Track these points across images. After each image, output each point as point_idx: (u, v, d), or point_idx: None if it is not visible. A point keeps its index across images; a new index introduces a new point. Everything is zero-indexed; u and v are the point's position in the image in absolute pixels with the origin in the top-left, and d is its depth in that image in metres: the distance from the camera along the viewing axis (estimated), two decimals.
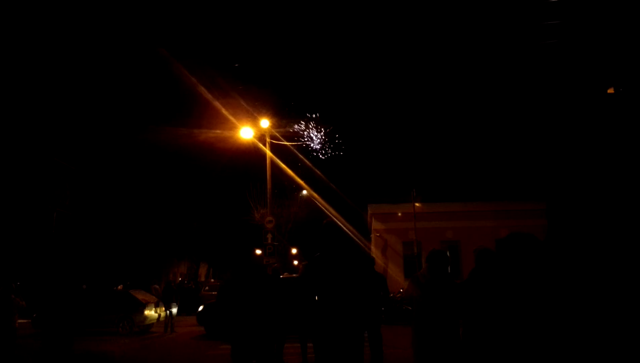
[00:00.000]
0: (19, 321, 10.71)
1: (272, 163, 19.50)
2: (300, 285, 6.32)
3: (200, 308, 15.38)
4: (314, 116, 22.07)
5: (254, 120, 19.17)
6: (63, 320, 9.35)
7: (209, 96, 19.51)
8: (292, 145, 20.93)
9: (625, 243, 2.60)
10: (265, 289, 4.79)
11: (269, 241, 17.61)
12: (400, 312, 14.97)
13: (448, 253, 5.19)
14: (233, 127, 19.42)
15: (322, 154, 21.86)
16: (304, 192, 26.62)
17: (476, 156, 37.50)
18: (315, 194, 25.58)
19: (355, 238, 26.51)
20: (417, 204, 25.93)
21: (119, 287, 23.81)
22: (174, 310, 16.52)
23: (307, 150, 22.35)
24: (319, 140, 21.56)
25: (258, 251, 17.12)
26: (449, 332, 4.69)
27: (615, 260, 2.52)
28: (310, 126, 21.76)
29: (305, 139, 21.40)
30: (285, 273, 15.85)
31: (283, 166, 21.67)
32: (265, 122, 18.98)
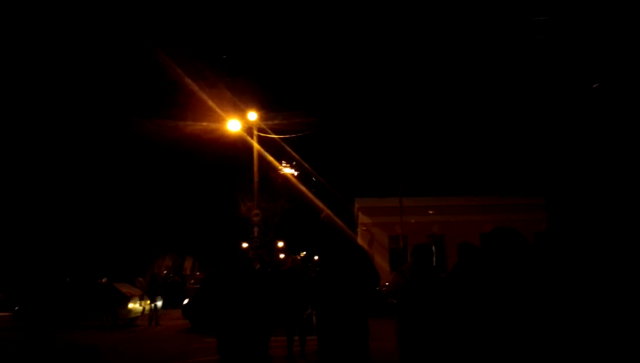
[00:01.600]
0: None
1: (260, 156, 19.43)
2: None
3: (186, 301, 15.33)
4: None
5: (241, 113, 19.07)
6: (45, 313, 9.26)
7: (195, 88, 19.33)
8: (280, 138, 20.85)
9: (627, 238, 2.57)
10: (250, 282, 4.74)
11: (256, 234, 17.59)
12: (385, 305, 15.08)
13: (433, 247, 5.20)
14: (220, 120, 19.28)
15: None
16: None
17: (462, 151, 37.79)
18: (302, 188, 25.58)
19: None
20: (403, 199, 26.06)
21: (103, 280, 23.55)
22: (159, 304, 16.45)
23: (295, 143, 22.26)
24: None
25: (244, 245, 17.08)
26: (433, 325, 4.73)
27: (616, 257, 2.48)
28: None
29: None
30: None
31: (271, 158, 21.62)
32: (252, 115, 18.88)
